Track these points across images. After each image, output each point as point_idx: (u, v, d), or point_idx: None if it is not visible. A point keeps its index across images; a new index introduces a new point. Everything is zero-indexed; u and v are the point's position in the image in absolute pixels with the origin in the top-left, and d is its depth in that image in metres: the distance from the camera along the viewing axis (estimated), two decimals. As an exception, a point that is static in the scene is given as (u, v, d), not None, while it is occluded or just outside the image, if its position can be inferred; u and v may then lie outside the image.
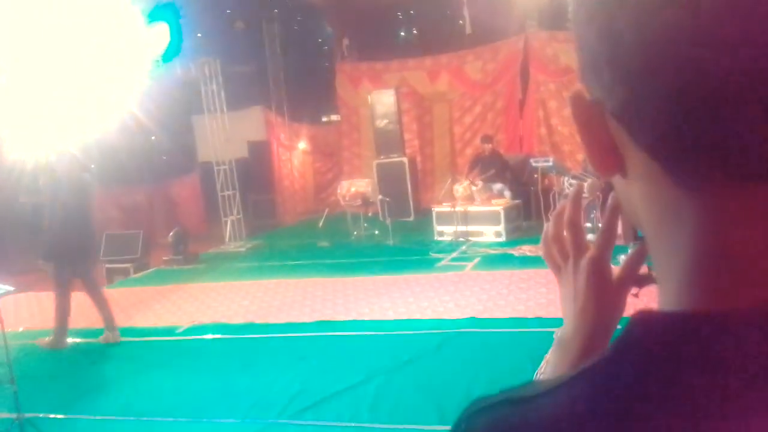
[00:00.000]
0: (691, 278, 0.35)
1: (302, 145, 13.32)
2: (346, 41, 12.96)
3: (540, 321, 4.95)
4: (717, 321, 0.33)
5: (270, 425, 3.72)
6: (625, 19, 0.32)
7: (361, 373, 4.30)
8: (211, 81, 9.96)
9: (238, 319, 5.89)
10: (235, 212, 10.11)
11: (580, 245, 0.59)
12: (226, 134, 10.07)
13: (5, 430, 3.51)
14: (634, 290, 0.60)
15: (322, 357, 4.75)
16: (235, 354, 5.03)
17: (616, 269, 0.59)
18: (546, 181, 8.53)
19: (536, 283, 5.90)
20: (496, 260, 7.19)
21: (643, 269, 0.59)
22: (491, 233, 8.15)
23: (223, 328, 5.68)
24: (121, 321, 6.30)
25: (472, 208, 8.31)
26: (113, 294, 7.73)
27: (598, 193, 6.64)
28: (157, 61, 7.79)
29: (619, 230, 0.64)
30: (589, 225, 6.22)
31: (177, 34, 7.89)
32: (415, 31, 15.88)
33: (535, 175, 8.14)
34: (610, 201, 0.55)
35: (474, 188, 8.53)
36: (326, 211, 10.43)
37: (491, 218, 8.18)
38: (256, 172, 11.61)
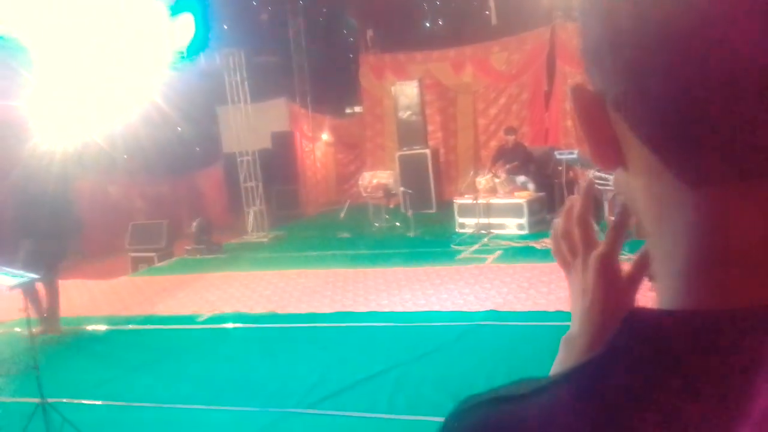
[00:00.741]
0: (689, 275, 0.34)
1: (325, 136, 13.35)
2: (370, 32, 12.92)
3: (561, 315, 4.88)
4: (710, 320, 0.32)
5: (289, 414, 3.73)
6: (627, 7, 0.32)
7: (381, 363, 4.30)
8: (236, 72, 10.02)
9: (259, 309, 5.93)
10: (258, 203, 10.18)
11: (589, 241, 0.58)
12: (249, 125, 10.13)
13: (29, 414, 3.58)
14: (650, 285, 0.58)
15: (341, 347, 4.76)
16: (255, 343, 5.07)
17: (625, 266, 0.57)
18: (571, 174, 8.40)
19: (558, 277, 5.82)
20: (518, 253, 7.12)
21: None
22: (514, 226, 8.07)
23: (244, 317, 5.72)
24: (145, 309, 6.42)
25: (495, 201, 8.24)
26: (138, 282, 7.89)
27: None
28: (183, 52, 7.86)
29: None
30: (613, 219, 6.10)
31: (202, 26, 7.95)
32: (439, 22, 15.76)
33: (560, 168, 8.02)
34: (619, 192, 0.53)
35: (497, 180, 8.45)
36: (348, 202, 10.43)
37: (514, 211, 8.10)
38: (278, 163, 11.67)
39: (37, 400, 3.57)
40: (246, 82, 10.09)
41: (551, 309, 5.08)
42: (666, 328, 0.33)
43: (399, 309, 5.52)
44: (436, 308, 5.43)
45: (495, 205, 8.21)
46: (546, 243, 7.26)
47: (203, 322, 5.72)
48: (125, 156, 10.74)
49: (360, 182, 10.12)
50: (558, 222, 0.61)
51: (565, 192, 8.02)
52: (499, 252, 7.24)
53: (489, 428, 0.38)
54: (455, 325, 4.93)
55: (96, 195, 10.82)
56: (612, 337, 0.34)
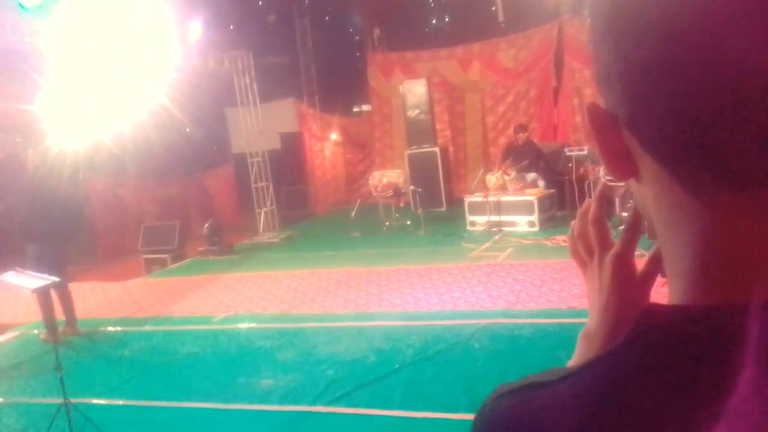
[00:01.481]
0: (697, 276, 0.38)
1: (334, 136, 13.38)
2: (377, 31, 12.93)
3: (573, 312, 4.89)
4: (720, 314, 0.35)
5: (306, 412, 3.77)
6: (632, 40, 0.35)
7: (395, 362, 4.33)
8: (244, 73, 10.06)
9: (272, 309, 5.98)
10: (268, 203, 10.24)
11: (604, 241, 0.61)
12: (258, 126, 10.18)
13: (53, 415, 3.64)
14: (662, 280, 0.61)
15: (355, 346, 4.79)
16: (270, 343, 5.11)
17: (639, 264, 0.60)
18: (581, 171, 8.39)
19: (570, 274, 5.83)
20: (530, 250, 7.12)
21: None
22: (524, 223, 8.08)
23: (259, 317, 5.77)
24: (159, 310, 6.49)
25: (505, 198, 8.24)
26: (152, 283, 7.96)
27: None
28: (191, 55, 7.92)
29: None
30: (625, 215, 6.10)
31: (211, 29, 8.00)
32: (446, 20, 15.74)
33: (570, 165, 8.01)
34: (634, 199, 0.56)
35: (507, 178, 8.44)
36: (358, 201, 10.46)
37: (525, 208, 8.10)
38: (288, 164, 11.72)
39: (60, 400, 3.63)
40: (255, 84, 10.14)
41: (563, 306, 5.09)
42: (677, 321, 0.37)
43: (412, 308, 5.55)
44: (449, 307, 5.45)
45: (505, 202, 8.21)
46: (557, 240, 7.27)
47: (218, 323, 5.78)
48: (136, 158, 10.81)
49: (370, 181, 10.15)
50: (574, 223, 0.65)
51: (575, 188, 8.02)
52: (510, 249, 7.24)
53: (516, 413, 0.42)
54: (468, 324, 4.95)
55: (108, 197, 10.92)
56: (629, 331, 0.38)
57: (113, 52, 7.05)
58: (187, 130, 12.50)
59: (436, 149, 10.13)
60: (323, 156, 13.23)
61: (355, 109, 15.19)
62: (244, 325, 5.61)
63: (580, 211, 0.64)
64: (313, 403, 3.87)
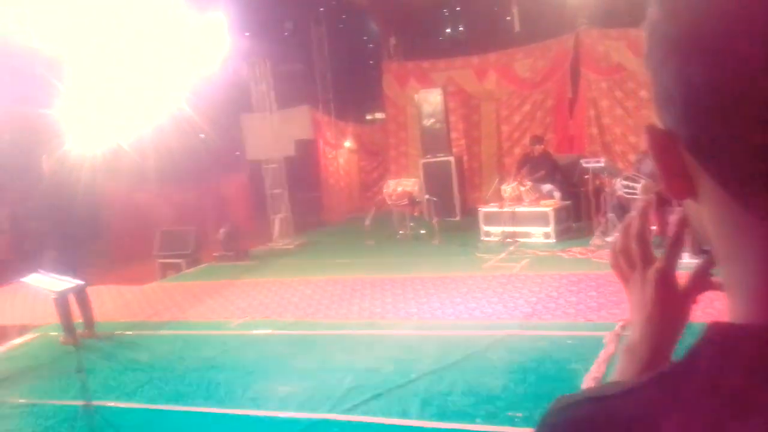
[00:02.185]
0: (762, 294, 0.39)
1: (348, 143, 13.43)
2: (392, 40, 12.99)
3: (590, 325, 4.88)
4: None
5: (323, 420, 3.78)
6: (697, 63, 0.36)
7: (411, 372, 4.33)
8: (261, 81, 10.15)
9: (288, 316, 6.01)
10: (283, 210, 10.29)
11: (647, 257, 0.63)
12: (274, 133, 10.24)
13: (74, 417, 3.68)
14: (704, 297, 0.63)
15: (371, 355, 4.79)
16: (286, 350, 5.12)
17: (682, 280, 0.62)
18: (597, 183, 8.37)
19: (587, 286, 5.81)
20: (546, 262, 7.10)
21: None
22: (540, 234, 8.06)
23: (275, 324, 5.80)
24: (176, 314, 6.53)
25: (521, 209, 8.23)
26: (168, 287, 8.02)
27: (652, 194, 6.48)
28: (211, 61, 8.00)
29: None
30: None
31: (229, 36, 8.08)
32: (461, 29, 15.78)
33: (586, 176, 8.00)
34: (677, 215, 0.58)
35: (522, 188, 8.44)
36: (373, 210, 10.47)
37: (540, 219, 8.08)
38: (302, 171, 11.78)
39: (81, 402, 3.67)
40: (272, 91, 10.22)
41: (581, 320, 5.07)
42: (741, 339, 0.37)
43: (427, 317, 5.55)
44: (465, 317, 5.45)
45: (521, 213, 8.19)
46: (573, 252, 7.24)
47: (235, 328, 5.81)
48: (152, 163, 10.90)
49: (385, 190, 10.17)
50: (617, 239, 0.66)
51: (591, 200, 7.99)
52: (525, 261, 7.23)
53: (581, 424, 0.42)
54: (485, 335, 4.94)
55: (124, 202, 11.02)
56: (695, 347, 0.39)
57: (131, 57, 7.13)
58: (203, 136, 12.60)
59: (451, 158, 10.14)
60: (337, 163, 13.27)
61: (369, 118, 15.24)
62: (260, 332, 5.63)
63: (621, 226, 0.66)
64: (331, 410, 3.88)
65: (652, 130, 0.42)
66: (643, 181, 6.62)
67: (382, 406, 3.89)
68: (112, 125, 7.17)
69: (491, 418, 3.54)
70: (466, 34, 15.22)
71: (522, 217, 8.17)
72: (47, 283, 3.95)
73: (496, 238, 8.30)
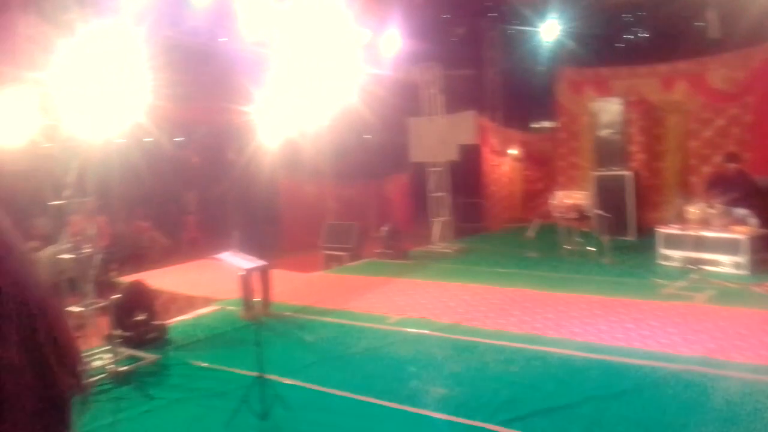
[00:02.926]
0: None
1: (514, 151, 13.12)
2: (569, 46, 12.46)
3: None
4: None
5: (480, 428, 3.69)
6: None
7: (574, 394, 4.08)
8: (432, 85, 10.27)
9: (445, 319, 5.98)
10: (444, 214, 10.32)
11: None
12: (439, 137, 10.31)
13: (249, 385, 3.98)
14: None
15: (530, 370, 4.60)
16: (442, 352, 5.10)
17: None
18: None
19: (789, 329, 5.06)
20: (735, 295, 6.31)
21: None
22: (729, 264, 7.19)
23: (431, 325, 5.81)
24: (338, 304, 6.82)
25: (708, 234, 7.40)
26: (332, 278, 8.43)
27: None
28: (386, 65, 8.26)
29: None
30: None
31: (403, 41, 8.28)
32: (644, 35, 14.66)
33: (792, 203, 6.98)
34: None
35: (711, 211, 7.59)
36: (539, 221, 10.10)
37: (731, 247, 7.21)
38: (465, 176, 11.71)
39: (255, 373, 3.95)
40: (441, 95, 10.30)
41: (780, 364, 4.41)
42: None
43: (593, 340, 5.19)
44: (637, 344, 5.01)
45: (708, 238, 7.38)
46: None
47: (393, 324, 5.92)
48: (324, 159, 11.54)
49: (551, 201, 9.76)
50: None
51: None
52: (711, 292, 6.48)
53: None
54: (659, 366, 4.50)
55: (296, 194, 11.82)
56: None
57: (315, 59, 7.59)
58: (371, 136, 13.09)
59: (629, 173, 9.44)
60: (501, 171, 13.03)
61: (537, 126, 14.76)
62: (417, 330, 5.68)
63: None
64: (488, 420, 3.78)
65: None
66: None
67: (544, 424, 3.70)
68: (294, 122, 7.70)
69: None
70: (650, 40, 14.11)
71: (709, 243, 7.35)
72: (238, 261, 4.32)
73: (677, 264, 7.55)
